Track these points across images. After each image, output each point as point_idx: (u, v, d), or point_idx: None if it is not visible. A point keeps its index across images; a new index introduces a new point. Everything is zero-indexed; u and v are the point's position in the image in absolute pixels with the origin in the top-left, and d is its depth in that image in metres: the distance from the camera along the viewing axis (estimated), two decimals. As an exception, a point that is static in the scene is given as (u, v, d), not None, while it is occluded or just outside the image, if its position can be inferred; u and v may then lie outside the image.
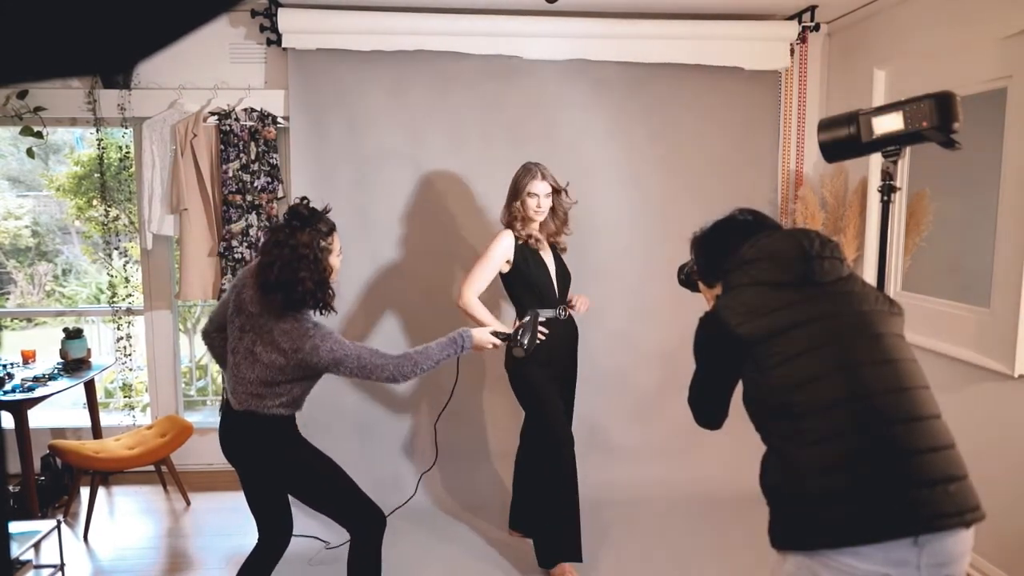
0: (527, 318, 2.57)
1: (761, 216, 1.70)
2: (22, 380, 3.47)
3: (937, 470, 1.31)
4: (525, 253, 2.91)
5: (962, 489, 1.32)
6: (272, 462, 2.29)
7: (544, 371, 2.89)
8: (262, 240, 2.45)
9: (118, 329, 3.91)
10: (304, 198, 2.26)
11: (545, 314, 2.88)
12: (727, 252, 1.62)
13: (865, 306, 1.46)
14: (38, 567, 2.99)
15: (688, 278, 1.93)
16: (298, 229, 2.16)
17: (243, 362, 2.22)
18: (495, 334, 2.43)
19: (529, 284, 2.90)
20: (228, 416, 2.30)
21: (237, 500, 2.38)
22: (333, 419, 3.63)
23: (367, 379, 2.21)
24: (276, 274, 2.12)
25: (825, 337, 1.41)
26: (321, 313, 2.25)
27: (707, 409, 1.66)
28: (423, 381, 3.75)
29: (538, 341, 2.62)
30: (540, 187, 2.87)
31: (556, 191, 2.94)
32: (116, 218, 3.87)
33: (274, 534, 2.42)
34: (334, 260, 2.26)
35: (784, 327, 1.43)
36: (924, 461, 1.31)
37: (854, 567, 1.29)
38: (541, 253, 2.95)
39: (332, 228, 2.26)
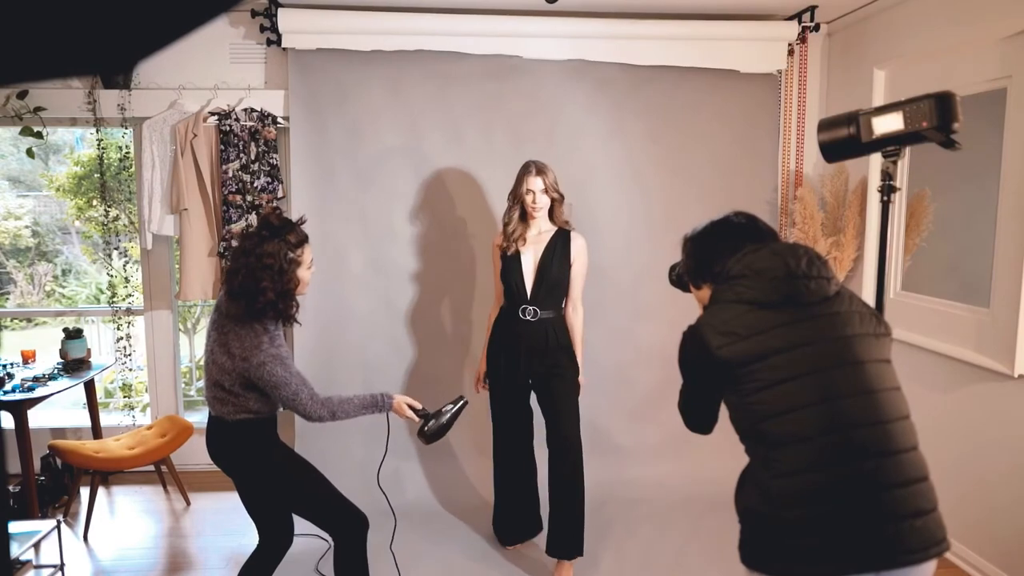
0: (450, 405, 2.40)
1: (756, 221, 1.65)
2: (22, 380, 3.47)
3: (905, 505, 1.33)
4: (505, 256, 2.99)
5: (928, 523, 1.34)
6: (244, 467, 2.27)
7: (503, 381, 3.03)
8: (234, 245, 2.42)
9: (118, 329, 3.91)
10: (277, 208, 2.23)
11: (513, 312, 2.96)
12: (717, 255, 1.59)
13: (848, 330, 1.44)
14: (38, 567, 2.99)
15: (680, 278, 1.90)
16: (267, 239, 2.13)
17: (208, 362, 2.23)
18: (411, 408, 2.35)
19: (505, 283, 3.00)
20: (208, 419, 2.30)
21: (237, 500, 2.37)
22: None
23: (291, 410, 2.18)
24: (240, 281, 2.11)
25: (805, 366, 1.40)
26: (285, 325, 2.23)
27: (696, 417, 1.66)
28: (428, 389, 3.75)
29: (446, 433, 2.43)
30: (534, 183, 2.88)
31: (553, 191, 2.92)
32: (116, 218, 3.87)
33: (273, 536, 2.41)
34: (303, 273, 2.21)
35: (764, 353, 1.42)
36: (892, 497, 1.33)
37: None
38: (522, 254, 2.96)
39: (303, 240, 2.20)
